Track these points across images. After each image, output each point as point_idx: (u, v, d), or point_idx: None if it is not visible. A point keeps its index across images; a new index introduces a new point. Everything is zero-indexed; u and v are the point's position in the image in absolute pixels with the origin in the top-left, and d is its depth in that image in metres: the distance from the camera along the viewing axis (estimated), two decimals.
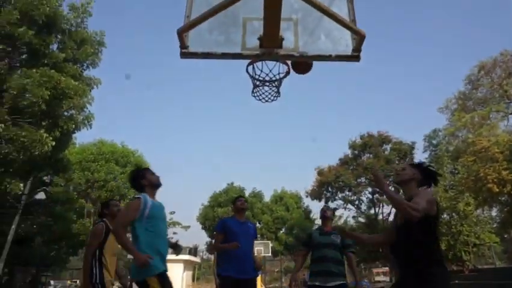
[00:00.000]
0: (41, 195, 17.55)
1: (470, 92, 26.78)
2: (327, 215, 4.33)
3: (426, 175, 2.88)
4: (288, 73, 3.20)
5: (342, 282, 3.81)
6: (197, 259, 41.76)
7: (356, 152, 35.08)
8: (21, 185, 12.69)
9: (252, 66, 3.18)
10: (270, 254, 26.22)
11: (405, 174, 2.91)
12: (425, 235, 2.50)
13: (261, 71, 3.17)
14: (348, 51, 3.15)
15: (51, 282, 23.75)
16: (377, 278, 35.01)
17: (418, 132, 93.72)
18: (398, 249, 2.70)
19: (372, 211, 35.75)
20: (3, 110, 10.84)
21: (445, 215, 23.37)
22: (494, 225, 27.29)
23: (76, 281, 27.91)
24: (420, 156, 37.78)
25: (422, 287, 2.37)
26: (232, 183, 39.25)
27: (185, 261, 35.24)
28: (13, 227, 16.68)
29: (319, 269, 3.78)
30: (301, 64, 2.84)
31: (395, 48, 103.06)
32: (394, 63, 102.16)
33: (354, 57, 3.15)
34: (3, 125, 10.55)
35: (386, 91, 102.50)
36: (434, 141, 35.00)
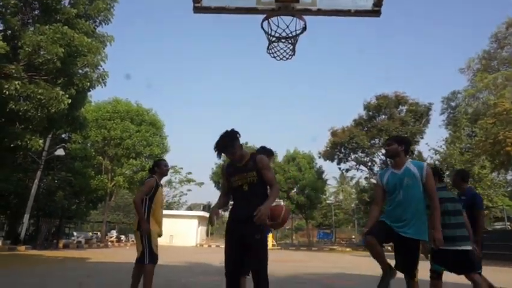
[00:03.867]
0: (60, 152, 18.14)
1: (496, 51, 25.62)
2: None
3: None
4: (304, 29, 3.07)
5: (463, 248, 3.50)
6: None
7: (371, 113, 34.53)
8: (41, 141, 13.04)
9: (267, 21, 3.06)
10: None
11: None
12: None
13: (277, 26, 3.05)
14: (368, 5, 3.00)
15: (74, 233, 25.09)
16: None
17: (436, 94, 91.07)
18: None
19: None
20: (19, 67, 10.93)
21: None
22: (509, 189, 27.14)
23: (97, 233, 29.41)
24: (437, 118, 37.08)
25: None
26: (246, 143, 39.56)
27: (199, 217, 36.62)
28: (36, 181, 17.42)
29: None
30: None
31: (414, 5, 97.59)
32: (414, 20, 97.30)
33: (375, 12, 3.00)
34: (20, 82, 10.68)
35: (405, 51, 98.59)
36: (453, 103, 34.13)
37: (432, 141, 42.60)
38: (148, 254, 3.96)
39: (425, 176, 3.09)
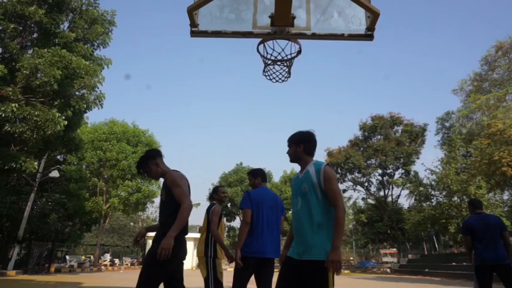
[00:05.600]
0: (55, 174, 17.98)
1: (487, 73, 26.16)
2: None
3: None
4: (299, 52, 3.14)
5: None
6: None
7: (366, 133, 34.82)
8: (36, 163, 12.95)
9: (263, 45, 3.12)
10: None
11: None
12: None
13: (273, 49, 3.11)
14: (362, 30, 3.08)
15: (67, 257, 24.51)
16: (385, 259, 35.40)
17: (431, 115, 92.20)
18: None
19: (381, 193, 35.77)
20: (16, 89, 10.98)
21: (456, 198, 23.22)
22: (505, 209, 27.08)
23: (90, 257, 28.79)
24: (432, 138, 37.49)
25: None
26: (241, 164, 39.52)
27: (195, 240, 36.02)
28: (29, 203, 17.17)
29: None
30: None
31: (408, 28, 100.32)
32: (408, 43, 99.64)
33: (368, 36, 3.08)
34: (16, 105, 10.70)
35: (399, 73, 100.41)
36: (447, 124, 34.51)
37: (428, 162, 42.76)
38: (213, 281, 4.04)
39: (323, 179, 2.42)
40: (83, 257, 28.25)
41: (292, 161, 2.70)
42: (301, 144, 2.63)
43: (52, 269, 18.52)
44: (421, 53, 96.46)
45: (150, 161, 3.11)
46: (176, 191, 2.86)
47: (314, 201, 2.41)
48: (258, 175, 3.79)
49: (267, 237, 3.43)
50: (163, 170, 3.10)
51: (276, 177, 38.64)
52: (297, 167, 3.06)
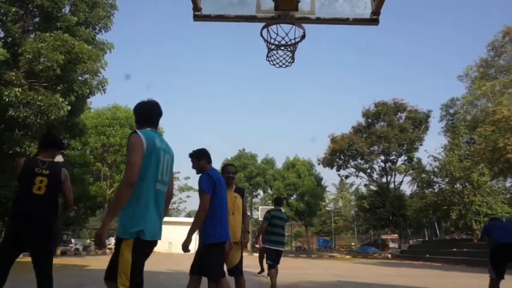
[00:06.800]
0: (59, 158, 18.06)
1: (493, 59, 25.83)
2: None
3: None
4: (303, 37, 3.10)
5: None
6: None
7: (370, 120, 34.66)
8: None
9: (266, 29, 3.08)
10: None
11: None
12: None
13: (277, 34, 3.07)
14: (367, 14, 3.03)
15: (72, 240, 24.91)
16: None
17: (435, 101, 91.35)
18: None
19: (384, 179, 35.83)
20: (19, 74, 10.98)
21: (458, 185, 23.24)
22: (508, 196, 27.12)
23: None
24: (436, 125, 37.26)
25: None
26: (243, 150, 39.55)
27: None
28: None
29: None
30: None
31: (413, 13, 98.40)
32: (412, 29, 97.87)
33: (373, 20, 3.03)
34: (20, 89, 10.72)
35: (404, 59, 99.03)
36: (452, 110, 34.26)
37: (432, 149, 42.58)
38: None
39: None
40: (88, 241, 28.73)
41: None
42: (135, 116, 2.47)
43: (58, 252, 18.83)
44: (427, 36, 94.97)
45: None
46: None
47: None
48: (203, 156, 3.48)
49: (226, 220, 3.55)
50: None
51: (279, 164, 38.68)
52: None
